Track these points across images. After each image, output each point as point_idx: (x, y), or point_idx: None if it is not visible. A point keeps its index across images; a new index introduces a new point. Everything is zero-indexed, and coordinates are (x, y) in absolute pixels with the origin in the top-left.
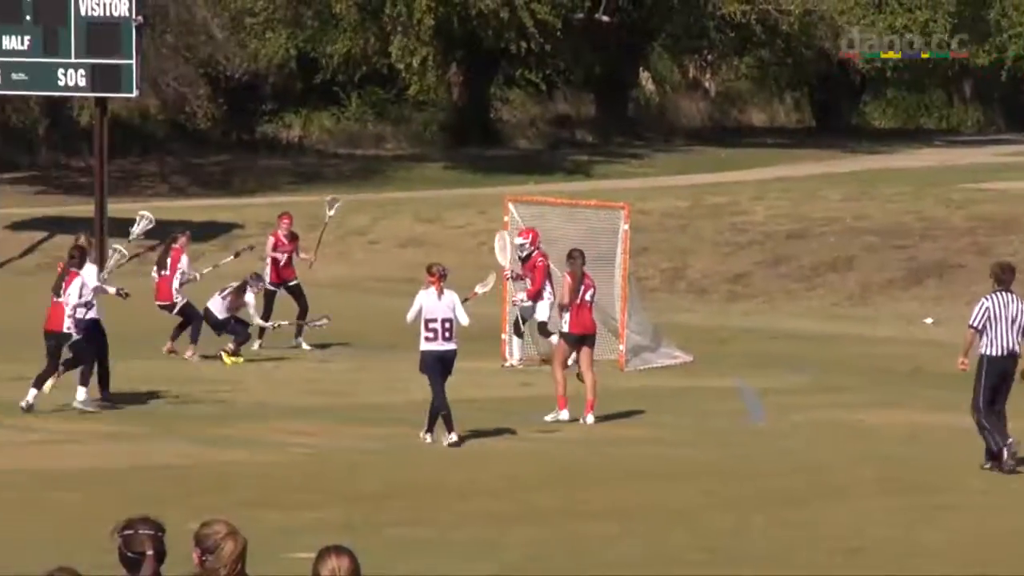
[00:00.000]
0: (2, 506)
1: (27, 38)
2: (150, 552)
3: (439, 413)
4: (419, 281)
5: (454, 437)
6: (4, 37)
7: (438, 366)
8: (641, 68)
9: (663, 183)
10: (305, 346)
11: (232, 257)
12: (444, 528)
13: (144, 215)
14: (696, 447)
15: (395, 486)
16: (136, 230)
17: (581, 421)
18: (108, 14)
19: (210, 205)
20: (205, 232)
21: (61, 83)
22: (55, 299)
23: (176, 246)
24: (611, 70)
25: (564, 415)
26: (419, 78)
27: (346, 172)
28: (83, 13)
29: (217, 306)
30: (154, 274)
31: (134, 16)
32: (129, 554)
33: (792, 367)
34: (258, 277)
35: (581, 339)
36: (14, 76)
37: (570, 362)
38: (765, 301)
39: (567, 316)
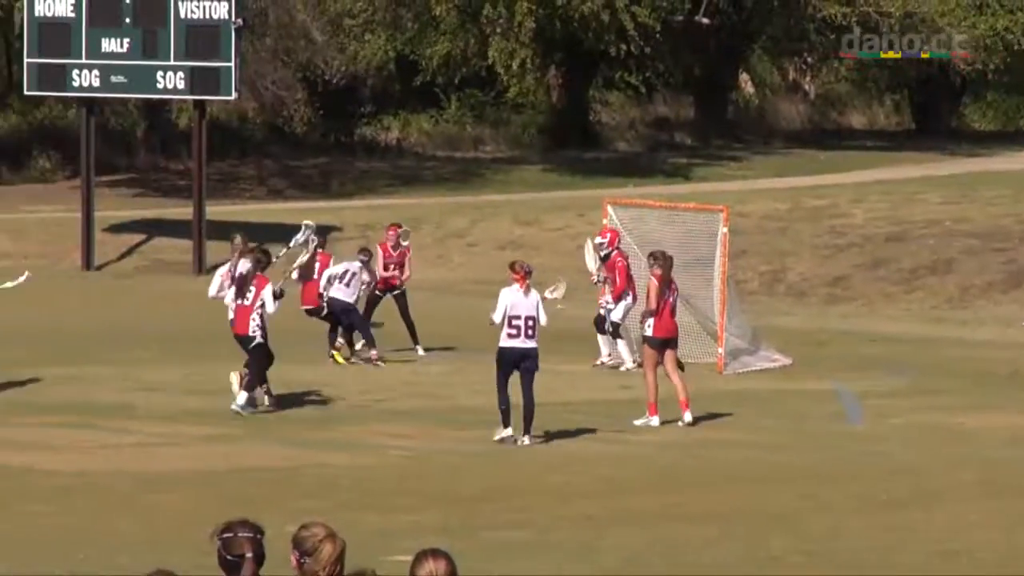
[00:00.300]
0: (100, 508)
1: (126, 40)
2: (249, 555)
3: (529, 411)
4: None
5: (507, 433)
6: (103, 40)
7: (512, 363)
8: (740, 70)
9: (762, 186)
10: (421, 351)
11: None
12: (541, 531)
13: (308, 224)
14: (794, 450)
15: (492, 489)
16: (299, 238)
17: (680, 423)
18: (207, 16)
19: (308, 208)
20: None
21: (160, 85)
22: (240, 303)
23: (324, 251)
24: (710, 72)
25: (654, 421)
26: (518, 80)
27: (444, 175)
28: (182, 15)
29: (342, 292)
30: (295, 277)
31: (233, 19)
32: (228, 557)
33: (891, 370)
34: (368, 252)
35: (665, 343)
36: (113, 79)
37: (605, 360)
38: (864, 304)
39: (651, 320)
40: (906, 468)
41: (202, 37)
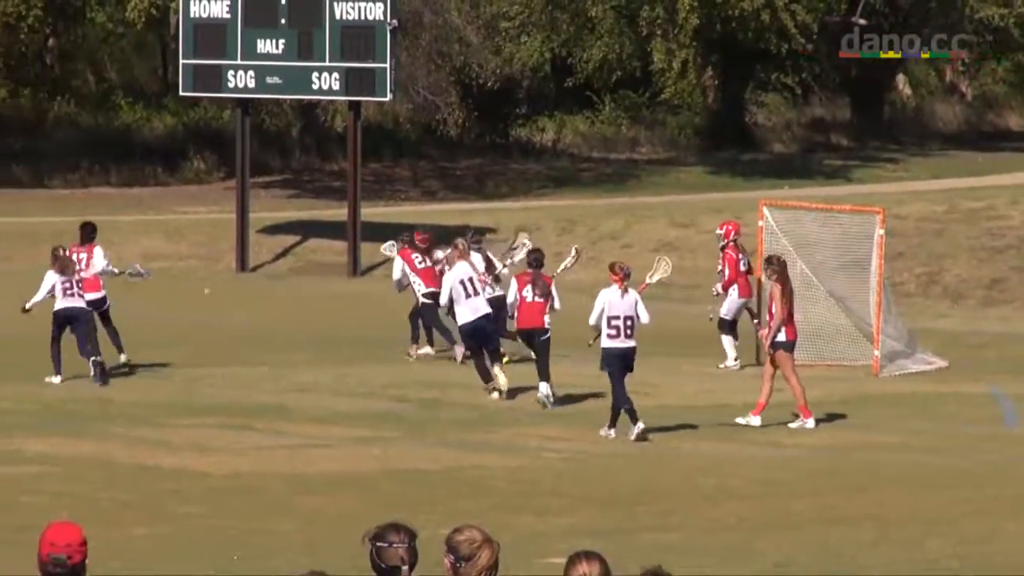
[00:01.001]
0: (253, 509)
1: (282, 42)
2: (405, 567)
3: (621, 409)
4: (673, 286)
5: (640, 426)
6: (259, 41)
7: (618, 363)
8: (897, 72)
9: (918, 187)
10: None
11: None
12: (695, 533)
13: (524, 241)
14: (950, 453)
15: (646, 491)
16: (518, 255)
17: (743, 422)
18: (362, 17)
19: (462, 209)
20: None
21: (315, 86)
22: (530, 300)
23: (407, 247)
24: (867, 74)
25: (810, 423)
26: (675, 81)
27: (600, 176)
28: (337, 16)
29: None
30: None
31: (388, 20)
32: (383, 565)
33: None
34: (476, 238)
35: (795, 345)
36: (268, 79)
37: (731, 364)
38: (1021, 306)
39: (783, 326)
40: None
41: (357, 38)
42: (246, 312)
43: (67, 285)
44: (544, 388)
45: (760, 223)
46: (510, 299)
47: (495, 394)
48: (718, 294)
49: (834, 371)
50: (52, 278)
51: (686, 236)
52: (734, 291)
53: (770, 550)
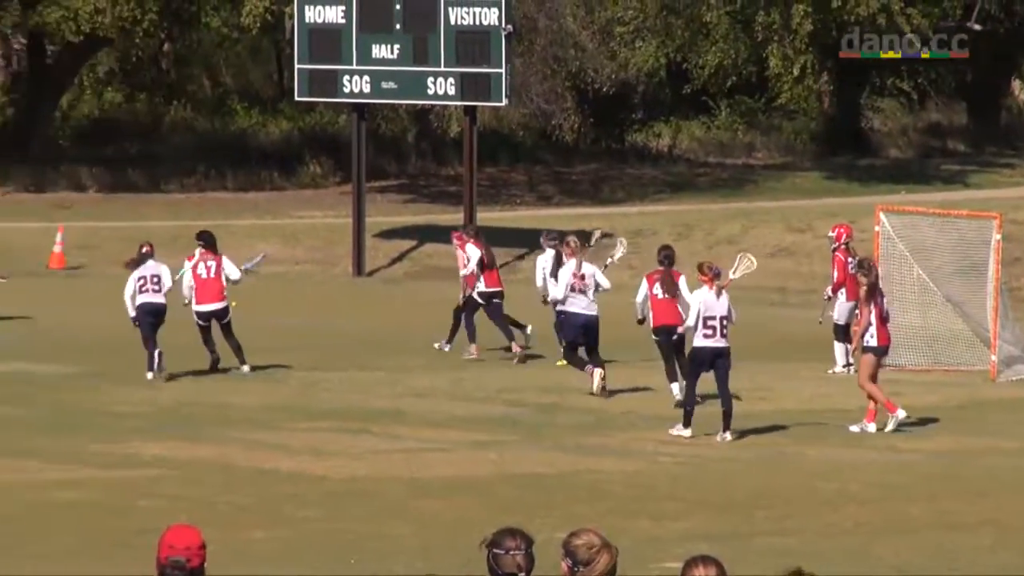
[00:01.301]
0: (370, 513)
1: (396, 47)
2: (522, 574)
3: (728, 409)
4: (790, 291)
5: (687, 433)
6: (374, 46)
7: (708, 364)
8: (1013, 77)
9: None
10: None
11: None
12: (813, 537)
13: (621, 241)
14: None
15: (764, 495)
16: (617, 253)
17: (859, 429)
18: (477, 23)
19: (578, 214)
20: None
21: (430, 91)
22: (661, 297)
23: (468, 238)
24: (983, 79)
25: (901, 414)
26: (791, 86)
27: (716, 181)
28: (452, 22)
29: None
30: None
31: (503, 25)
32: (500, 572)
33: None
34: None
35: (887, 351)
36: (384, 84)
37: (839, 370)
38: None
39: (872, 330)
40: None
41: (472, 43)
42: (363, 316)
43: (141, 282)
44: (675, 388)
45: (877, 228)
46: (639, 298)
47: (598, 378)
48: (829, 298)
49: (951, 376)
50: (131, 277)
51: (802, 241)
52: (842, 295)
53: (888, 555)
